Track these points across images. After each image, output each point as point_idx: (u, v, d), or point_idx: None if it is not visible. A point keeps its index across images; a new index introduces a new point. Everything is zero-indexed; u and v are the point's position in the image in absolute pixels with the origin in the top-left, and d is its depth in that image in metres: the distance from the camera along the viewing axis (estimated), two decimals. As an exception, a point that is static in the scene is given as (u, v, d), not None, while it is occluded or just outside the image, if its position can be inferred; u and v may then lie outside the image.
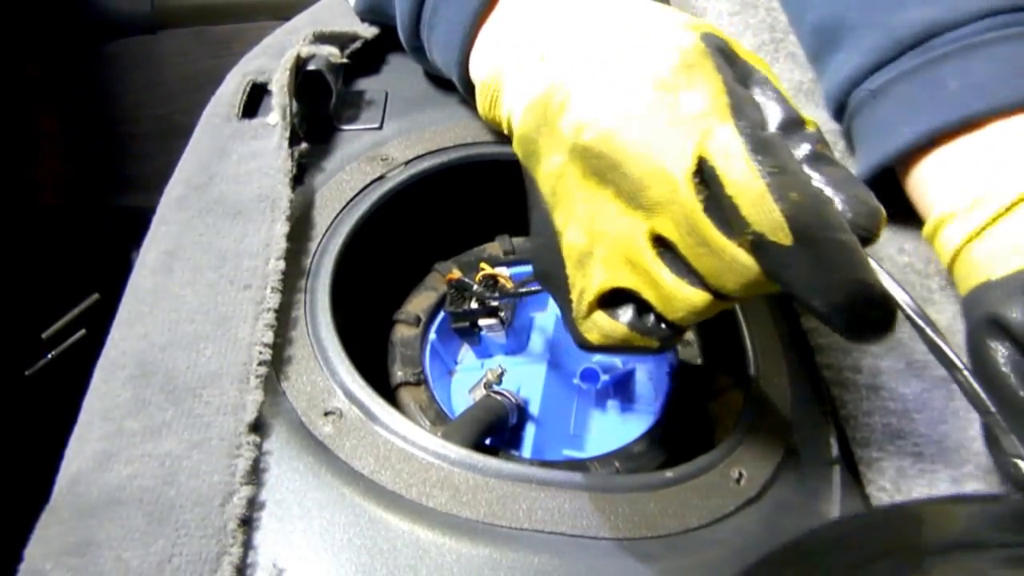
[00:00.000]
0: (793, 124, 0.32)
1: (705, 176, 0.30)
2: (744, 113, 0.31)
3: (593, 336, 0.35)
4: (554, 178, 0.35)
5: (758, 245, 0.29)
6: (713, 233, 0.30)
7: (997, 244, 0.41)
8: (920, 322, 0.32)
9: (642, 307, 0.35)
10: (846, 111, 0.51)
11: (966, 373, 0.32)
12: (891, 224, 0.50)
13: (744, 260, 0.30)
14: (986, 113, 0.43)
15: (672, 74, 0.32)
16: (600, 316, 0.35)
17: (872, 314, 0.29)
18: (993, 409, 0.33)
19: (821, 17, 0.52)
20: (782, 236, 0.28)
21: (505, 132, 0.45)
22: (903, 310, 0.31)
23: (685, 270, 0.32)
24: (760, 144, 0.29)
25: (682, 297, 0.32)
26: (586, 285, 0.35)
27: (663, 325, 0.34)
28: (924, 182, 0.46)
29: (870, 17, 0.48)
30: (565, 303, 0.36)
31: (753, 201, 0.28)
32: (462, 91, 0.51)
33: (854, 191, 0.30)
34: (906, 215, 0.50)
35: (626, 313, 0.35)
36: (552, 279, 0.37)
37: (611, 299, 0.35)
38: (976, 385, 0.33)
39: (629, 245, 0.33)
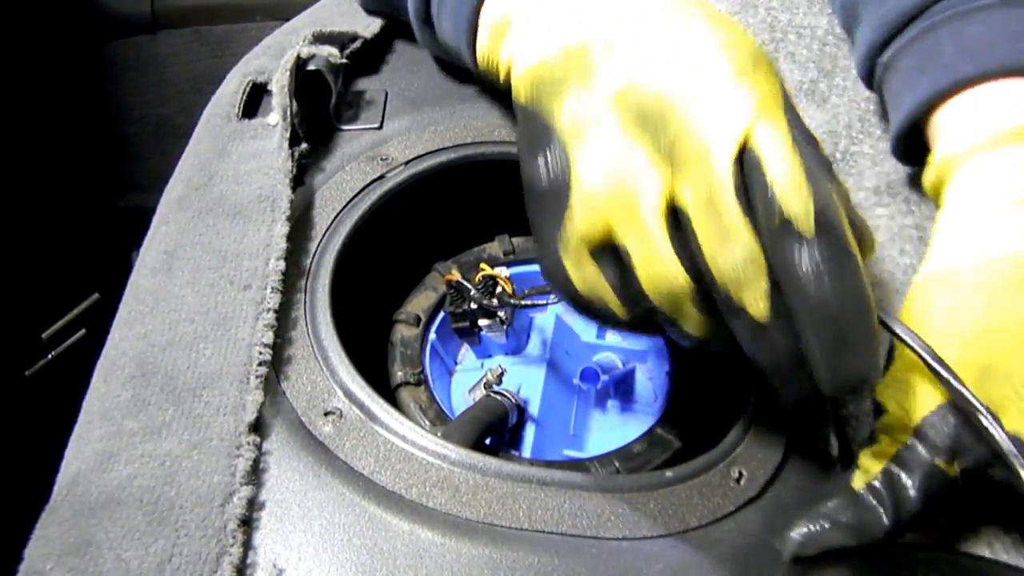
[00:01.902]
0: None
1: (744, 157, 0.31)
2: (790, 115, 0.33)
3: (570, 265, 0.35)
4: (583, 108, 0.35)
5: (779, 230, 0.30)
6: (732, 204, 0.31)
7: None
8: (934, 363, 0.33)
9: (628, 278, 0.34)
10: (874, 85, 0.53)
11: (984, 413, 0.33)
12: (892, 224, 0.50)
13: (748, 240, 0.31)
14: (977, 77, 0.44)
15: (738, 64, 0.33)
16: (585, 255, 0.34)
17: (861, 340, 0.31)
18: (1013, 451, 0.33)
19: None
20: (805, 226, 0.30)
21: (501, 76, 0.45)
22: (913, 348, 0.34)
23: (682, 249, 0.33)
24: (800, 144, 0.32)
25: (666, 268, 0.32)
26: (585, 216, 0.34)
27: (637, 303, 0.34)
28: (929, 141, 0.47)
29: None
30: (553, 225, 0.35)
31: (790, 188, 0.30)
32: (467, 56, 0.49)
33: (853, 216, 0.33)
34: (907, 215, 0.50)
35: (610, 267, 0.34)
36: (547, 197, 0.35)
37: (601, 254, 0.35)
38: (994, 423, 0.33)
39: (642, 192, 0.33)
